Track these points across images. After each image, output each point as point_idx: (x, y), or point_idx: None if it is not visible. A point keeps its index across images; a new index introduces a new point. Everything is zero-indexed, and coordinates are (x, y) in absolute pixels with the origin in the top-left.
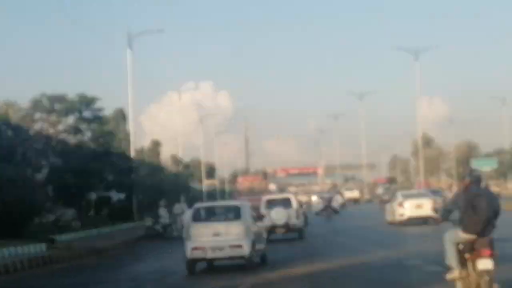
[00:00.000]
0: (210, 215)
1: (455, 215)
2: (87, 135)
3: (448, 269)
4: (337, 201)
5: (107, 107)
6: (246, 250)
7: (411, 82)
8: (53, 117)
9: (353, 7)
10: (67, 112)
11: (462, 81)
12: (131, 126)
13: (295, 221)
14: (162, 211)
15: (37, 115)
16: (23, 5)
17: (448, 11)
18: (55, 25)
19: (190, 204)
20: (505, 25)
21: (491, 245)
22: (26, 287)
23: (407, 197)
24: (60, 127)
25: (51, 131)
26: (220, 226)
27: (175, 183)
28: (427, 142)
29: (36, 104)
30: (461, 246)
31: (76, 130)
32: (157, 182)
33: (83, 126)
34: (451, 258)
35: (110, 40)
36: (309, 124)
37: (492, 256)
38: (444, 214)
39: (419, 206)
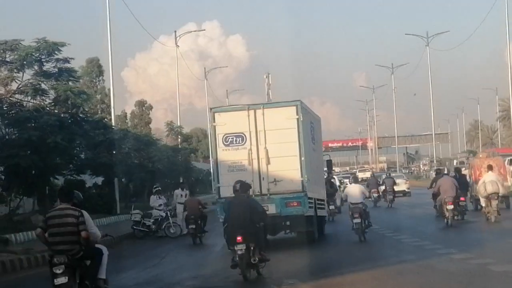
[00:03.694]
0: None
1: None
2: (50, 96)
3: None
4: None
5: (78, 57)
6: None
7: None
8: (3, 72)
9: None
10: (22, 64)
11: None
12: (110, 83)
13: None
14: (155, 200)
15: None
16: None
17: None
18: None
19: (192, 190)
20: None
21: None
22: None
23: None
24: (13, 85)
25: (1, 91)
26: None
27: (172, 161)
28: None
29: None
30: None
31: (35, 90)
32: (148, 160)
33: (44, 83)
34: None
35: None
36: (356, 80)
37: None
38: None
39: None
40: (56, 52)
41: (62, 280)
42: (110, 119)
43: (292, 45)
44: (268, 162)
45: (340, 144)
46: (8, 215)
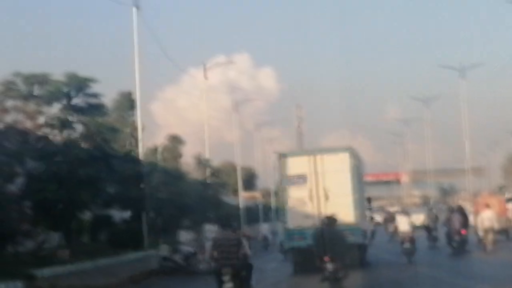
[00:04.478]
0: None
1: None
2: (78, 130)
3: None
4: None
5: (109, 91)
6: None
7: None
8: (31, 106)
9: None
10: (50, 98)
11: None
12: (138, 116)
13: None
14: (184, 235)
15: (9, 103)
16: None
17: None
18: None
19: (223, 225)
20: None
21: None
22: None
23: None
24: (41, 119)
25: (28, 124)
26: None
27: (201, 195)
28: None
29: (8, 88)
30: None
31: (63, 124)
32: (177, 195)
33: (73, 117)
34: None
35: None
36: (387, 114)
37: None
38: None
39: None
40: (85, 87)
41: (229, 285)
42: (139, 153)
43: (322, 78)
44: (326, 199)
45: (372, 179)
46: (34, 250)
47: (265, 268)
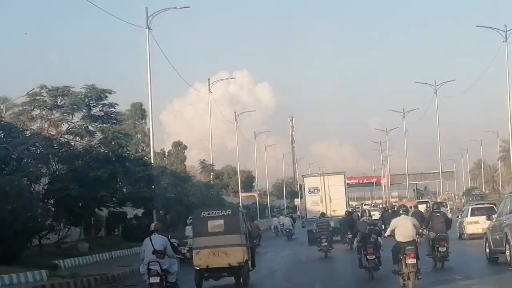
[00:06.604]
0: None
1: None
2: (97, 136)
3: None
4: None
5: (123, 101)
6: None
7: (500, 71)
8: (55, 115)
9: None
10: (72, 108)
11: None
12: (150, 125)
13: None
14: (190, 230)
15: (35, 113)
16: None
17: None
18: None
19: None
20: None
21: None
22: None
23: None
24: (64, 127)
25: (52, 132)
26: None
27: (205, 195)
28: None
29: (34, 99)
30: None
31: (83, 131)
32: (183, 195)
33: (92, 125)
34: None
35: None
36: (370, 124)
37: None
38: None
39: None
40: (103, 97)
41: (324, 244)
42: (150, 157)
43: (314, 92)
44: (330, 201)
45: (356, 181)
46: (57, 242)
47: (293, 242)
